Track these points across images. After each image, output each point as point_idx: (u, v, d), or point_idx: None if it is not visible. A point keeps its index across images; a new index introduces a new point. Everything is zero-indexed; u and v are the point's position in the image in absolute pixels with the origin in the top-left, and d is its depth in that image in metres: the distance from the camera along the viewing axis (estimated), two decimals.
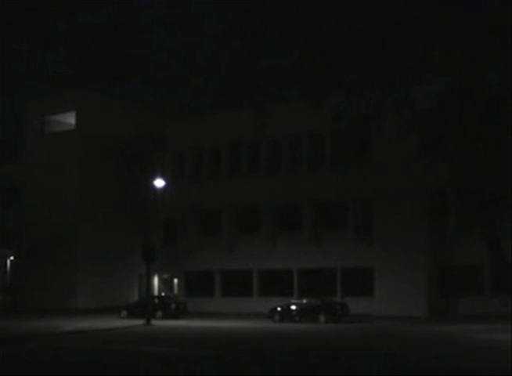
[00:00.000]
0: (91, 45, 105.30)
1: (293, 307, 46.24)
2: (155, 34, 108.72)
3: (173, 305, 50.85)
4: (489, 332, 34.39)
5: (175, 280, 61.92)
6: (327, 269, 53.70)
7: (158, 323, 44.85)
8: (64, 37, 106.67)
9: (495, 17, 23.68)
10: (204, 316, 51.22)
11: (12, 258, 67.40)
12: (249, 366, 23.49)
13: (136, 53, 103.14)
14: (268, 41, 26.73)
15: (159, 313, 48.88)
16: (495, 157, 27.70)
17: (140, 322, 44.24)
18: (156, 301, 50.78)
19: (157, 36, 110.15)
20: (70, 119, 63.22)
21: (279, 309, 46.51)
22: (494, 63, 25.44)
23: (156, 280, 61.48)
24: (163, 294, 59.10)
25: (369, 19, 24.53)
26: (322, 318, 44.33)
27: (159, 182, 48.15)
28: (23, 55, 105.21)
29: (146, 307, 45.59)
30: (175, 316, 49.68)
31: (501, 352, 25.47)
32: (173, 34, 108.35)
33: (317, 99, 26.96)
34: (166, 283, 62.27)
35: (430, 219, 49.95)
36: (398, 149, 47.20)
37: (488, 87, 25.64)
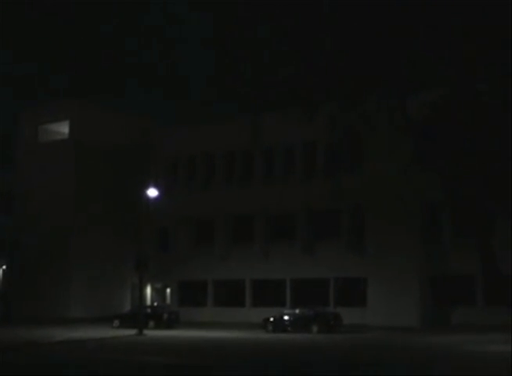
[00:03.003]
0: (84, 54, 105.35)
1: (286, 317, 46.11)
2: (151, 43, 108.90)
3: (165, 315, 50.67)
4: (484, 343, 34.30)
5: (168, 290, 61.81)
6: (320, 279, 53.67)
7: (150, 332, 44.70)
8: (56, 46, 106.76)
9: (489, 29, 23.73)
10: (197, 325, 51.09)
11: (4, 267, 67.13)
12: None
13: (129, 61, 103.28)
14: (264, 51, 26.78)
15: (151, 323, 48.75)
16: (488, 167, 27.72)
17: (132, 332, 44.09)
18: (148, 310, 50.57)
19: (153, 45, 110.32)
20: (64, 128, 63.17)
21: (271, 319, 46.37)
22: (486, 73, 25.51)
23: (148, 290, 61.35)
24: (155, 303, 58.96)
25: (364, 29, 24.56)
26: (315, 328, 44.22)
27: (152, 192, 48.06)
28: (16, 64, 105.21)
29: (139, 317, 45.45)
30: (168, 326, 49.51)
31: (499, 363, 25.38)
32: (168, 42, 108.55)
33: (311, 109, 26.99)
34: (159, 293, 62.14)
35: (424, 229, 49.95)
36: (391, 159, 47.29)
37: (480, 97, 25.71)
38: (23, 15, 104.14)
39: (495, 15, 23.32)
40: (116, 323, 50.57)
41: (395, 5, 23.41)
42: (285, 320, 45.92)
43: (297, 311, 46.56)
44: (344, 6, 23.89)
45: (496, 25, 23.13)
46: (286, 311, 47.78)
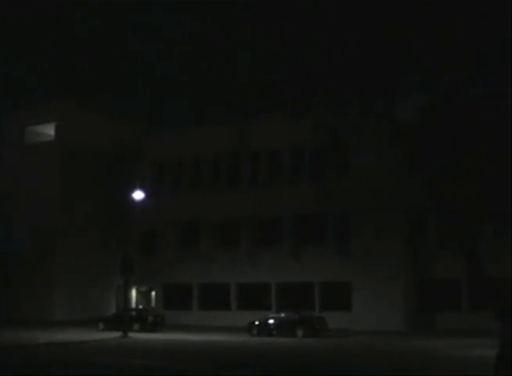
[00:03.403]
0: (72, 56, 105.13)
1: (271, 321, 46.08)
2: (137, 44, 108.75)
3: (150, 318, 50.57)
4: (467, 348, 34.42)
5: (153, 293, 61.66)
6: (306, 283, 53.66)
7: (135, 335, 44.62)
8: (44, 47, 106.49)
9: (481, 33, 23.74)
10: (182, 329, 51.01)
11: None
12: None
13: (117, 63, 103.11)
14: (251, 53, 26.68)
15: (136, 326, 48.63)
16: (475, 171, 27.76)
17: (117, 334, 44.01)
18: (133, 313, 50.49)
19: (140, 45, 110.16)
20: (50, 130, 63.02)
21: (256, 322, 46.33)
22: (476, 77, 25.53)
23: (134, 293, 61.20)
24: (140, 306, 58.81)
25: (351, 33, 24.56)
26: (300, 332, 44.21)
27: (138, 194, 47.95)
28: (2, 63, 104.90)
29: (124, 319, 45.36)
30: (153, 329, 49.40)
31: (478, 367, 25.46)
32: (154, 43, 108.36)
33: (296, 113, 26.93)
34: (144, 296, 61.99)
35: (410, 234, 50.06)
36: (378, 163, 47.38)
37: (469, 101, 25.73)
38: (9, 13, 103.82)
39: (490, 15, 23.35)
40: (101, 325, 50.41)
41: (383, 7, 23.40)
42: (270, 324, 45.89)
43: (282, 315, 46.52)
44: (332, 7, 23.85)
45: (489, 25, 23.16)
46: (271, 315, 47.72)
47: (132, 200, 48.07)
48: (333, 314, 49.07)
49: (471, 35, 21.98)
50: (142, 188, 50.58)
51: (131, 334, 44.20)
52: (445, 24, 21.98)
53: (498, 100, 23.44)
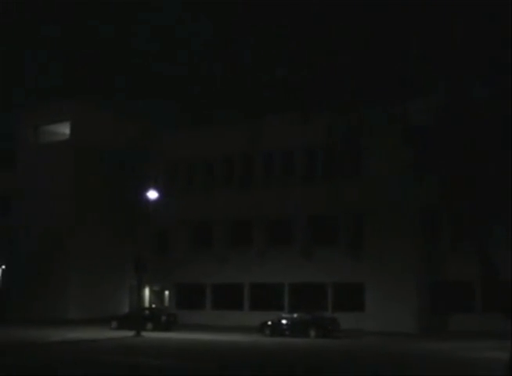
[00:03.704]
0: (86, 55, 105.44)
1: (284, 321, 46.09)
2: (150, 45, 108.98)
3: (163, 317, 50.68)
4: (479, 350, 34.35)
5: (166, 292, 61.79)
6: (318, 283, 53.65)
7: (148, 334, 44.73)
8: (58, 46, 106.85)
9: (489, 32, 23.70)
10: (195, 328, 51.08)
11: (3, 267, 67.11)
12: None
13: (130, 63, 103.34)
14: (261, 53, 26.70)
15: (149, 325, 48.73)
16: (488, 172, 27.69)
17: (130, 333, 44.13)
18: (146, 312, 50.65)
19: (152, 47, 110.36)
20: (64, 129, 63.23)
21: (269, 323, 46.35)
22: (488, 77, 25.49)
23: (147, 292, 61.35)
24: (153, 305, 58.97)
25: (362, 32, 24.54)
26: (312, 333, 44.22)
27: (152, 194, 48.00)
28: (17, 63, 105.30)
29: (137, 318, 45.50)
30: (166, 328, 49.50)
31: (494, 369, 25.39)
32: (167, 44, 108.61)
33: (308, 114, 26.93)
34: (157, 295, 62.13)
35: (422, 235, 49.93)
36: (391, 164, 47.26)
37: (481, 102, 25.67)
38: (23, 12, 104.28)
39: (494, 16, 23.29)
40: (114, 324, 50.55)
41: (394, 6, 23.37)
42: (283, 324, 45.90)
43: (295, 315, 46.52)
44: (341, 6, 23.84)
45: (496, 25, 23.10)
46: (284, 315, 47.71)
47: (146, 200, 48.15)
48: (346, 315, 49.06)
49: (478, 36, 21.93)
50: (156, 188, 50.64)
51: (144, 333, 44.31)
52: (455, 25, 21.94)
53: (505, 100, 23.36)
